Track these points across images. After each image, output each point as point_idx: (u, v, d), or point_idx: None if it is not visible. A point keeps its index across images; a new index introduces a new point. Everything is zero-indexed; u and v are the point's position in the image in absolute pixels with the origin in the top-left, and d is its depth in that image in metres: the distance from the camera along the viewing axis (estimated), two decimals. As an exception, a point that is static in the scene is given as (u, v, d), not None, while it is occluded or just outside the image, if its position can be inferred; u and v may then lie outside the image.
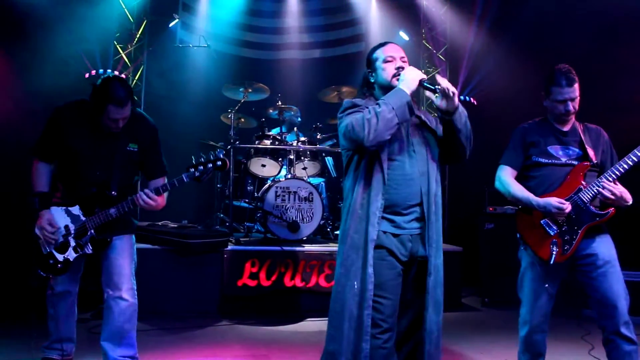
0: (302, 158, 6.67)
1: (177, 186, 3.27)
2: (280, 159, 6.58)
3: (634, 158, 3.08)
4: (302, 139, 6.70)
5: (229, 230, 6.02)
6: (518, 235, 3.35)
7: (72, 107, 3.32)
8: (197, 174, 3.25)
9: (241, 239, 5.87)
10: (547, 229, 3.21)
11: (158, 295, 5.13)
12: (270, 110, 6.95)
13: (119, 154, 3.33)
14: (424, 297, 2.78)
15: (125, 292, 3.32)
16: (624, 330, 3.05)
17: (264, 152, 6.55)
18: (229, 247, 5.44)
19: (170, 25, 8.02)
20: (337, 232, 6.60)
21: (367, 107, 2.74)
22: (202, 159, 3.27)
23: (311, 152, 6.71)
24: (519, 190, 3.29)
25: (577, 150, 3.27)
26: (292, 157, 6.50)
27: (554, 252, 3.15)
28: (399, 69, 2.88)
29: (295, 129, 6.86)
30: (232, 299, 5.31)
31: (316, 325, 5.07)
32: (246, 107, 7.01)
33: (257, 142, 6.64)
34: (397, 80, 2.81)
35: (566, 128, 3.32)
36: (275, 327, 4.99)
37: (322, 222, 6.11)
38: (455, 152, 2.92)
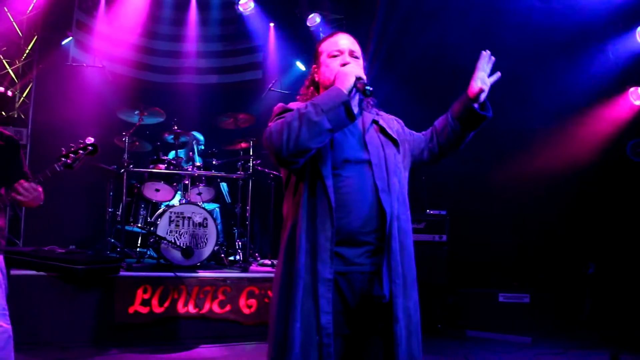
0: (197, 183, 6.69)
1: (49, 177, 3.11)
2: (174, 184, 6.57)
3: None
4: (198, 164, 6.72)
5: (121, 255, 5.91)
6: None
7: None
8: (69, 161, 3.16)
9: (133, 265, 5.78)
10: None
11: (42, 324, 4.88)
12: (166, 135, 6.93)
13: None
14: (393, 354, 2.14)
15: None
16: None
17: (159, 177, 6.50)
18: (120, 273, 5.33)
19: (63, 42, 7.79)
20: (231, 258, 6.67)
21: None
22: (72, 147, 3.22)
23: (206, 177, 6.74)
24: None
25: None
26: (187, 182, 6.51)
27: None
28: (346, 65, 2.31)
29: (190, 153, 6.87)
30: (123, 327, 5.18)
31: (209, 352, 5.09)
32: (141, 130, 6.92)
33: (151, 166, 6.58)
34: None
35: None
36: (167, 355, 4.95)
37: (217, 247, 6.16)
38: (451, 147, 2.47)
